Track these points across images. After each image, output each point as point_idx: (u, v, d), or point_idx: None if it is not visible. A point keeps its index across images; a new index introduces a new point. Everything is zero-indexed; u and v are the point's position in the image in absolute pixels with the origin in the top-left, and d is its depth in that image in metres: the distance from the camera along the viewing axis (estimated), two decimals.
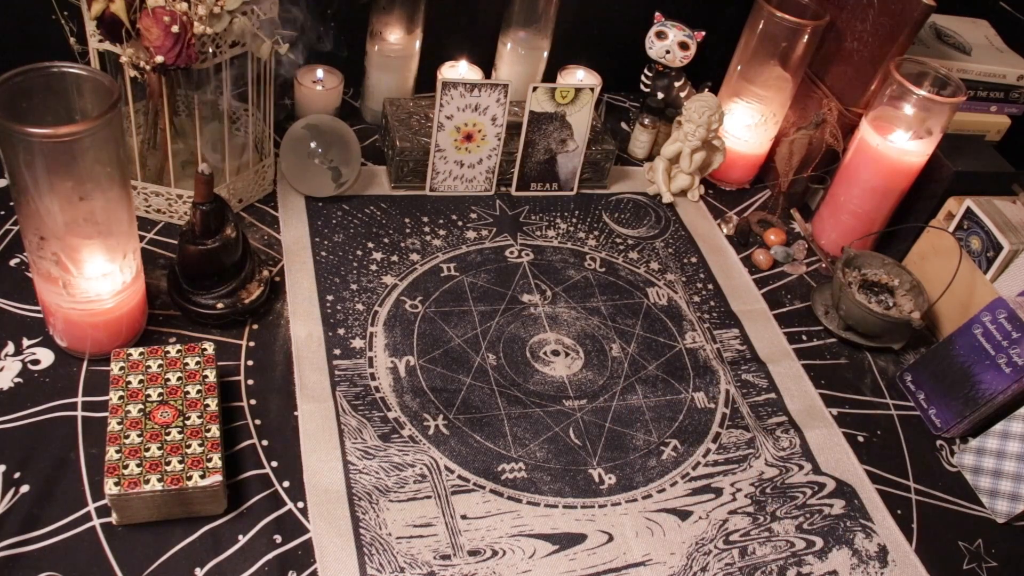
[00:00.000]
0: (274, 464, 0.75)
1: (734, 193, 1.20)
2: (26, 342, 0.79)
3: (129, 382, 0.72)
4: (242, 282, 0.84)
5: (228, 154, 0.91)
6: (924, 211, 1.07)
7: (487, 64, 1.18)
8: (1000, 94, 1.15)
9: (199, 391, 0.72)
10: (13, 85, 0.65)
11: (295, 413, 0.79)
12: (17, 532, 0.66)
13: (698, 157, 1.11)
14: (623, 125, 1.26)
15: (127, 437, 0.68)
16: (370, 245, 0.97)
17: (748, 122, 1.14)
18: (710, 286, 1.03)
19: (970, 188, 1.03)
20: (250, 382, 0.80)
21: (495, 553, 0.72)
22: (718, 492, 0.81)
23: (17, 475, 0.69)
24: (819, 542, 0.79)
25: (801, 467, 0.85)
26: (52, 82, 0.68)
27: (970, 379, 0.89)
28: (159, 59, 0.76)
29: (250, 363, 0.82)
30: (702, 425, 0.87)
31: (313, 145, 0.96)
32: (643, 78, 1.16)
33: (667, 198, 1.14)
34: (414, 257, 0.97)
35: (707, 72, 1.16)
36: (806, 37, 1.05)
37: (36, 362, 0.78)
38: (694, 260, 1.07)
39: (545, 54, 1.16)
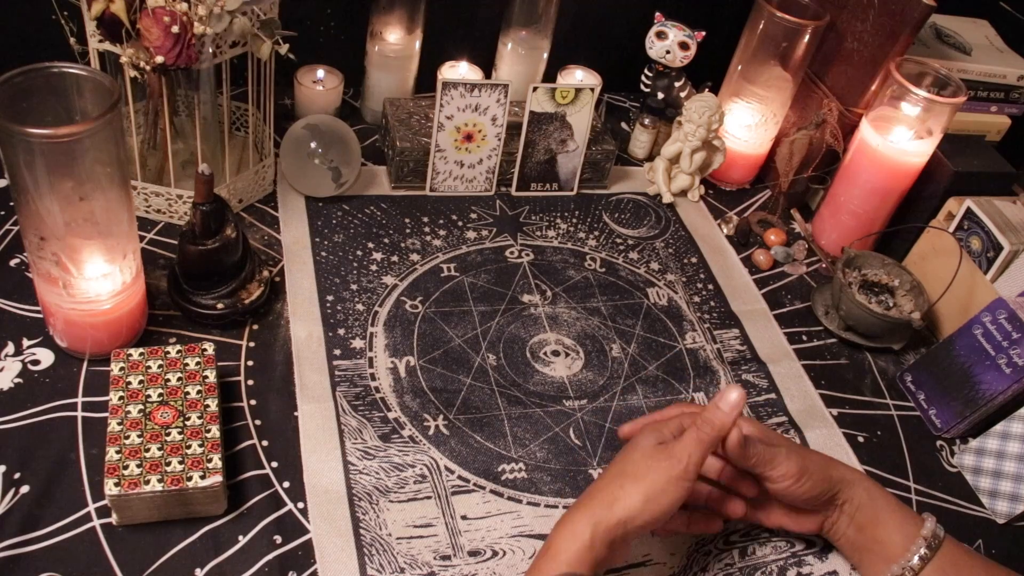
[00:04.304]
0: (274, 464, 0.75)
1: (734, 193, 1.20)
2: (26, 342, 0.79)
3: (129, 382, 0.72)
4: (242, 282, 0.84)
5: (228, 153, 0.91)
6: (924, 211, 1.07)
7: (487, 64, 1.18)
8: (1000, 94, 1.15)
9: (199, 391, 0.72)
10: (13, 85, 0.65)
11: (295, 413, 0.79)
12: (17, 532, 0.66)
13: (698, 157, 1.11)
14: (623, 125, 1.26)
15: (127, 437, 0.68)
16: (370, 245, 0.97)
17: (748, 122, 1.14)
18: (710, 286, 1.03)
19: (970, 188, 1.03)
20: (250, 382, 0.80)
21: (495, 553, 0.72)
22: None
23: (17, 475, 0.69)
24: (819, 542, 0.79)
25: None
26: (52, 82, 0.67)
27: (970, 379, 0.89)
28: (159, 59, 0.76)
29: (250, 363, 0.82)
30: None
31: (313, 145, 0.96)
32: (643, 78, 1.16)
33: (667, 198, 1.14)
34: (414, 257, 0.97)
35: (707, 72, 1.16)
36: (806, 37, 1.05)
37: (36, 362, 0.78)
38: (694, 260, 1.07)
39: (545, 54, 1.16)
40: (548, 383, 0.88)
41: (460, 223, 1.03)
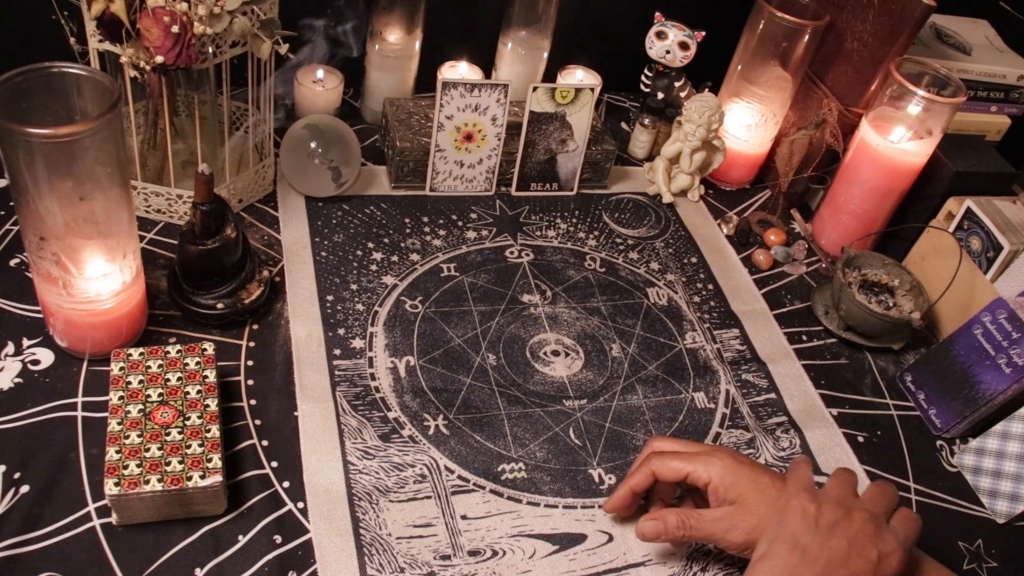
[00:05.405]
0: (274, 464, 0.75)
1: (734, 193, 1.20)
2: (26, 342, 0.79)
3: (129, 382, 0.72)
4: (242, 282, 0.84)
5: (228, 153, 0.91)
6: (924, 211, 1.07)
7: (487, 64, 1.18)
8: (1000, 94, 1.15)
9: (199, 391, 0.72)
10: (13, 85, 0.65)
11: (295, 413, 0.79)
12: (17, 532, 0.66)
13: (698, 157, 1.11)
14: (623, 125, 1.26)
15: (127, 437, 0.68)
16: (370, 245, 0.97)
17: (748, 122, 1.14)
18: (710, 286, 1.03)
19: (970, 188, 1.03)
20: (250, 382, 0.80)
21: (495, 553, 0.72)
22: None
23: (17, 475, 0.69)
24: None
25: None
26: (52, 82, 0.67)
27: (970, 379, 0.89)
28: (159, 59, 0.76)
29: (250, 363, 0.82)
30: (702, 425, 0.87)
31: (313, 145, 0.96)
32: (643, 78, 1.16)
33: (667, 198, 1.14)
34: (414, 257, 0.97)
35: (707, 72, 1.16)
36: (806, 37, 1.05)
37: (36, 362, 0.78)
38: (694, 260, 1.07)
39: (545, 54, 1.16)
40: (548, 383, 0.88)
41: (460, 223, 1.03)
